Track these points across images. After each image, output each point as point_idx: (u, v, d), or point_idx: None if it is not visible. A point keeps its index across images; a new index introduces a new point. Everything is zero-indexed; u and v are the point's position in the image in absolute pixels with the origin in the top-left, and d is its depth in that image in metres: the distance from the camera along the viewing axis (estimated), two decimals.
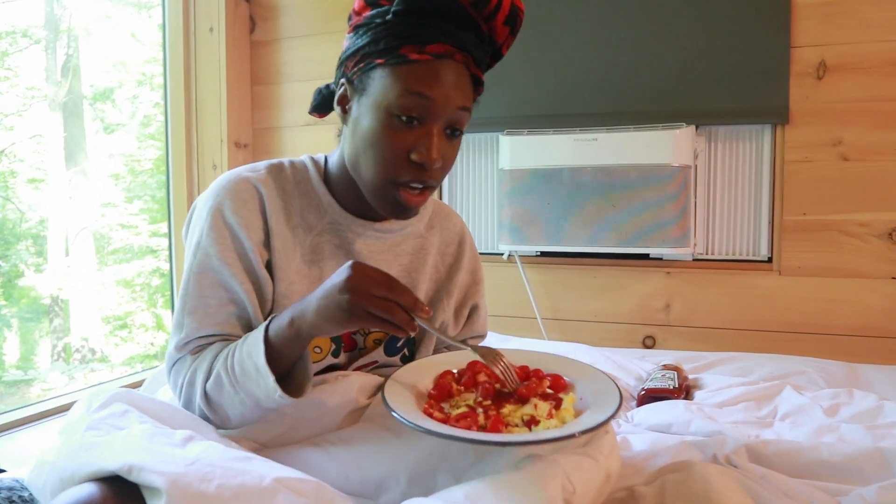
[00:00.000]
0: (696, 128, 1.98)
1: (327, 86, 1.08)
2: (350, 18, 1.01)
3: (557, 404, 0.92)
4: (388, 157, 0.95)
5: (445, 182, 2.30)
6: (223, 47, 2.35)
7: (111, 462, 0.77)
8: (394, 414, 0.86)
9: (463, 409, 0.91)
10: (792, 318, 1.96)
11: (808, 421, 1.33)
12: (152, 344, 4.23)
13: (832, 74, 1.89)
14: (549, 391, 0.96)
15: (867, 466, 1.04)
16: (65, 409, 1.70)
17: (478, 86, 1.01)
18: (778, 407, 1.42)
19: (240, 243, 1.00)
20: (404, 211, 1.00)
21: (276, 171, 1.06)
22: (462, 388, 0.97)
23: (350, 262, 0.89)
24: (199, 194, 2.36)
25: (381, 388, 1.06)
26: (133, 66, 4.42)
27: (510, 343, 1.86)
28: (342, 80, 1.00)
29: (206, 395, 0.95)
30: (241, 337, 1.00)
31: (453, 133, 0.98)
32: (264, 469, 0.80)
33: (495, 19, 0.96)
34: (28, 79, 4.01)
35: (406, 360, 1.16)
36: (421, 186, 0.97)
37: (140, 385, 1.37)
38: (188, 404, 0.98)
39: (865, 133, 1.87)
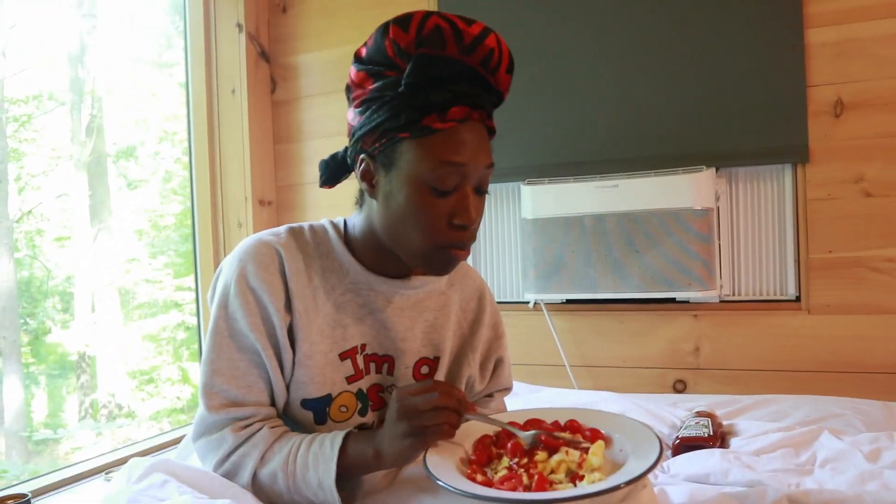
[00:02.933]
0: (717, 170, 1.99)
1: (333, 157, 1.10)
2: (349, 90, 1.03)
3: (586, 451, 0.93)
4: (431, 225, 0.97)
5: None
6: (245, 108, 2.41)
7: None
8: (440, 483, 0.87)
9: (503, 473, 0.91)
10: (824, 357, 1.93)
11: (849, 467, 1.30)
12: (178, 398, 4.23)
13: (850, 112, 1.89)
14: (581, 441, 0.96)
15: None
16: (99, 470, 1.72)
17: (491, 135, 1.03)
18: (817, 453, 1.40)
19: (263, 308, 1.02)
20: (451, 266, 1.02)
21: (296, 234, 1.09)
22: (501, 451, 0.97)
23: (394, 394, 0.96)
24: (225, 253, 2.41)
25: None
26: (154, 123, 4.52)
27: (541, 393, 1.85)
28: (362, 157, 1.01)
29: (255, 479, 0.99)
30: (266, 404, 1.04)
31: (481, 191, 1.01)
32: None
33: (499, 71, 0.99)
34: (54, 140, 4.12)
35: None
36: (464, 244, 1.00)
37: (178, 442, 1.37)
38: (228, 477, 1.00)
39: (887, 168, 1.87)
